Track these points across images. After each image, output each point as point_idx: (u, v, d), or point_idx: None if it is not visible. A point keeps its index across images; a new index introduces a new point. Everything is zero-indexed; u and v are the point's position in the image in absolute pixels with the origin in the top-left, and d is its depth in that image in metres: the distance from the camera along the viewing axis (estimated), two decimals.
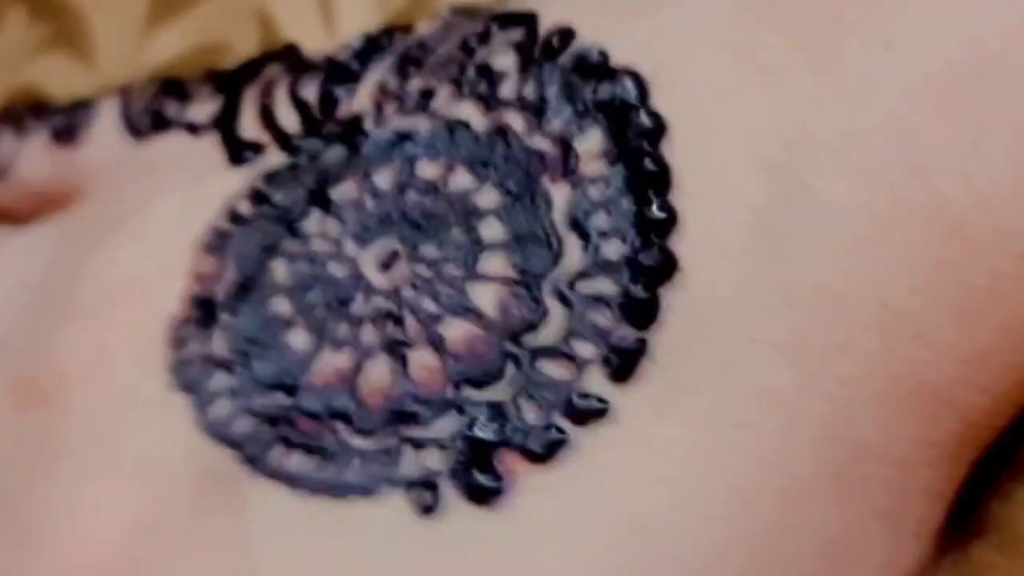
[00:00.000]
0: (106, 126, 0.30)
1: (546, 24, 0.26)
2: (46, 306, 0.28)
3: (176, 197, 0.28)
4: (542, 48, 0.26)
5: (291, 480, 0.25)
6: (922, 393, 0.24)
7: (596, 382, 0.24)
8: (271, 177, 0.27)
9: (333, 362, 0.25)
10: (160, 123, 0.29)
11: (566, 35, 0.25)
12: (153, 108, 0.30)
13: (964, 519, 0.27)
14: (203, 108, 0.29)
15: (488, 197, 0.25)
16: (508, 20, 0.26)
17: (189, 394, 0.26)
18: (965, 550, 0.27)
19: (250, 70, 0.29)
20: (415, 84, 0.27)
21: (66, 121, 0.31)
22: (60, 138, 0.31)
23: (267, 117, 0.28)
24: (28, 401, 0.27)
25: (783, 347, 0.23)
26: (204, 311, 0.26)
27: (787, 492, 0.24)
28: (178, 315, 0.26)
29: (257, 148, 0.28)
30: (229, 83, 0.29)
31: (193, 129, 0.29)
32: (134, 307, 0.27)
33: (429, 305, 0.25)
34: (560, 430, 0.24)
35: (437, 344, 0.25)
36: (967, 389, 0.24)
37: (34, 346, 0.27)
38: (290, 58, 0.29)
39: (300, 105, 0.28)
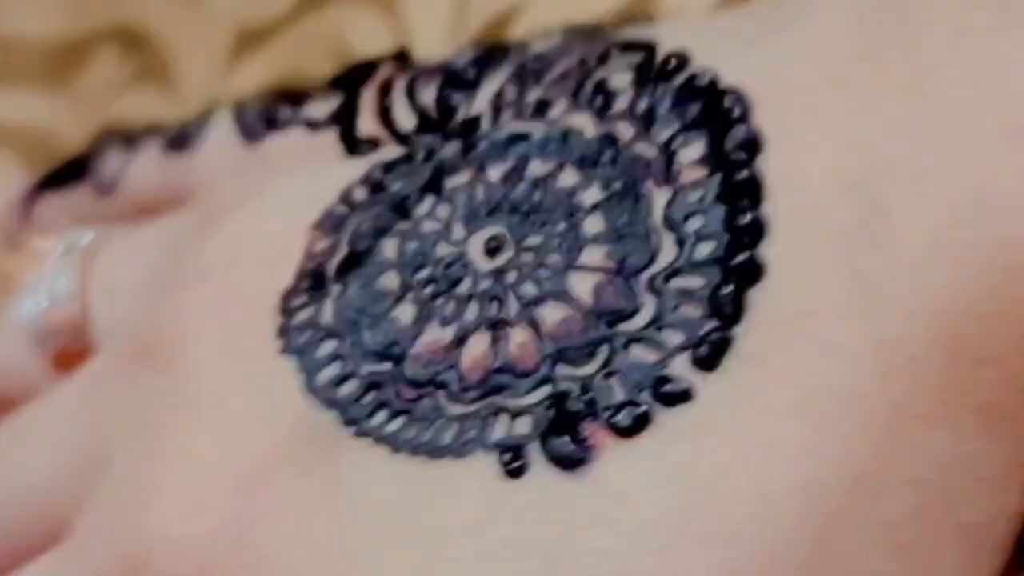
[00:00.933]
0: (220, 133, 0.32)
1: (663, 50, 0.28)
2: (166, 279, 0.30)
3: (294, 182, 0.30)
4: (658, 71, 0.28)
5: (390, 442, 0.27)
6: (985, 411, 0.26)
7: (682, 368, 0.26)
8: (388, 167, 0.29)
9: (437, 336, 0.27)
10: (275, 124, 0.32)
11: (681, 59, 0.28)
12: (267, 113, 0.32)
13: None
14: (321, 107, 0.31)
15: (593, 195, 0.27)
16: (628, 46, 0.29)
17: (298, 359, 0.28)
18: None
19: (366, 71, 0.31)
20: (533, 95, 0.29)
21: (179, 132, 0.33)
22: (174, 147, 0.33)
23: (385, 116, 0.30)
24: (145, 363, 0.29)
25: (860, 355, 0.25)
26: (316, 283, 0.28)
27: (858, 489, 0.25)
28: (291, 287, 0.28)
29: (375, 143, 0.30)
30: (346, 83, 0.31)
31: (312, 125, 0.31)
32: (250, 277, 0.29)
33: (530, 289, 0.27)
34: (647, 407, 0.26)
35: (534, 324, 0.27)
36: None
37: (153, 312, 0.29)
38: (404, 60, 0.31)
39: (418, 108, 0.30)
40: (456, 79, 0.30)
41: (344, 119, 0.30)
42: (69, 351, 0.31)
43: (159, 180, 0.33)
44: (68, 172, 0.34)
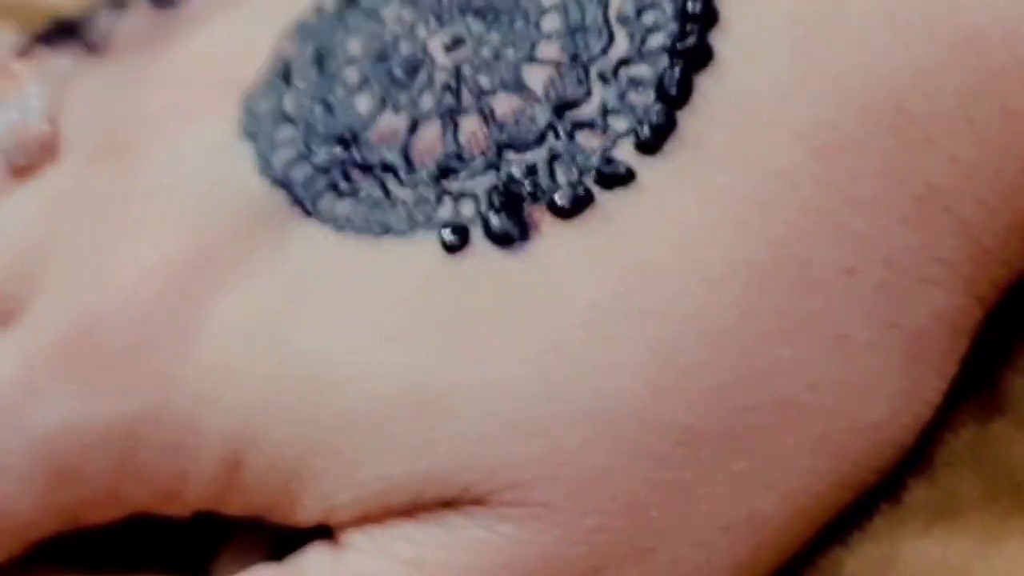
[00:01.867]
0: None
1: None
2: (133, 81, 0.30)
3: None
4: None
5: (338, 222, 0.27)
6: (926, 198, 0.25)
7: (626, 152, 0.26)
8: None
9: (391, 123, 0.27)
10: None
11: None
12: None
13: (985, 394, 0.28)
14: None
15: None
16: None
17: (255, 142, 0.28)
18: (986, 425, 0.28)
19: None
20: None
21: None
22: (161, 3, 0.33)
23: None
24: (106, 153, 0.29)
25: (804, 136, 0.25)
26: (280, 77, 0.29)
27: (798, 277, 0.25)
28: (256, 81, 0.29)
29: None
30: None
31: None
32: (215, 74, 0.29)
33: (484, 81, 0.27)
34: (587, 190, 0.26)
35: (486, 113, 0.27)
36: (969, 200, 0.25)
37: (116, 107, 0.30)
38: None
39: None
40: None
41: None
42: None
43: (148, 36, 0.33)
44: (59, 31, 0.35)
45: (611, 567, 0.26)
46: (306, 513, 0.27)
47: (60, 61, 0.32)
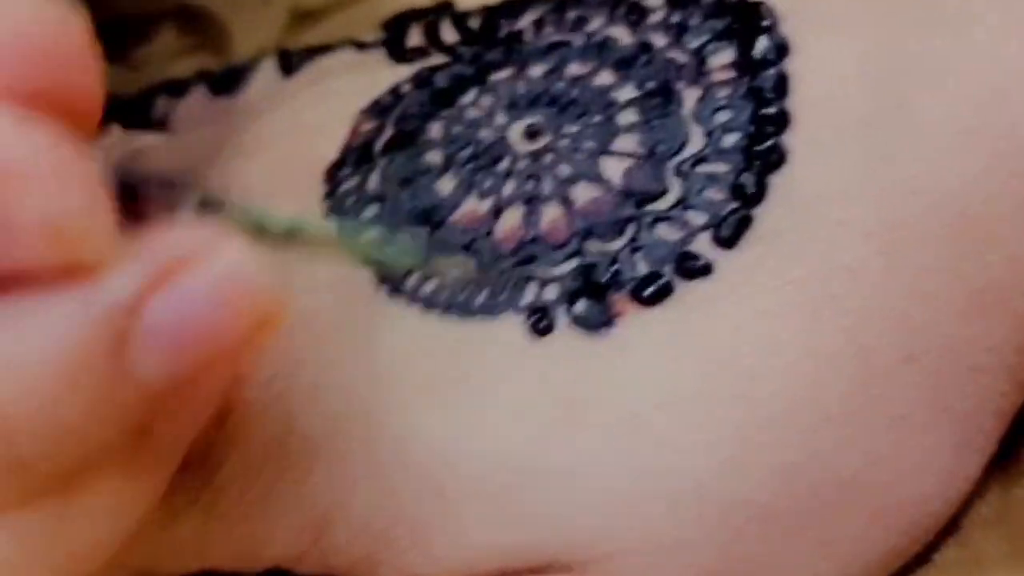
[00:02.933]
0: (264, 73, 0.34)
1: None
2: (200, 161, 0.31)
3: (343, 79, 0.32)
4: None
5: (425, 302, 0.29)
6: (984, 293, 0.27)
7: (703, 245, 0.28)
8: (435, 67, 0.31)
9: (475, 207, 0.29)
10: (319, 52, 0.33)
11: None
12: (310, 50, 0.34)
13: (1010, 460, 0.30)
14: (369, 36, 0.33)
15: (627, 92, 0.29)
16: None
17: (341, 220, 0.29)
18: (1009, 488, 0.30)
19: (414, 14, 0.33)
20: (572, 13, 0.31)
21: (224, 75, 0.35)
22: (219, 91, 0.34)
23: (431, 34, 0.32)
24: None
25: (871, 234, 0.27)
26: (362, 157, 0.30)
27: (863, 363, 0.27)
28: (337, 159, 0.30)
29: (423, 51, 0.32)
30: (394, 21, 0.33)
31: (360, 46, 0.33)
32: (298, 150, 0.31)
33: (564, 169, 0.29)
34: (668, 280, 0.28)
35: (567, 202, 0.28)
36: (1022, 295, 0.27)
37: (208, 179, 0.31)
38: (449, 8, 0.33)
39: (463, 29, 0.32)
40: (500, 10, 0.32)
41: (392, 37, 0.32)
42: None
43: (205, 121, 0.34)
44: (117, 115, 0.36)
45: None
46: None
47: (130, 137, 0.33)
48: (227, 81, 0.34)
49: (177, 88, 0.35)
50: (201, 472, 0.28)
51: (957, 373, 0.28)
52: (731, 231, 0.28)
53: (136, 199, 0.23)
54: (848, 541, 0.28)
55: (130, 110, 0.36)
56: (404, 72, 0.32)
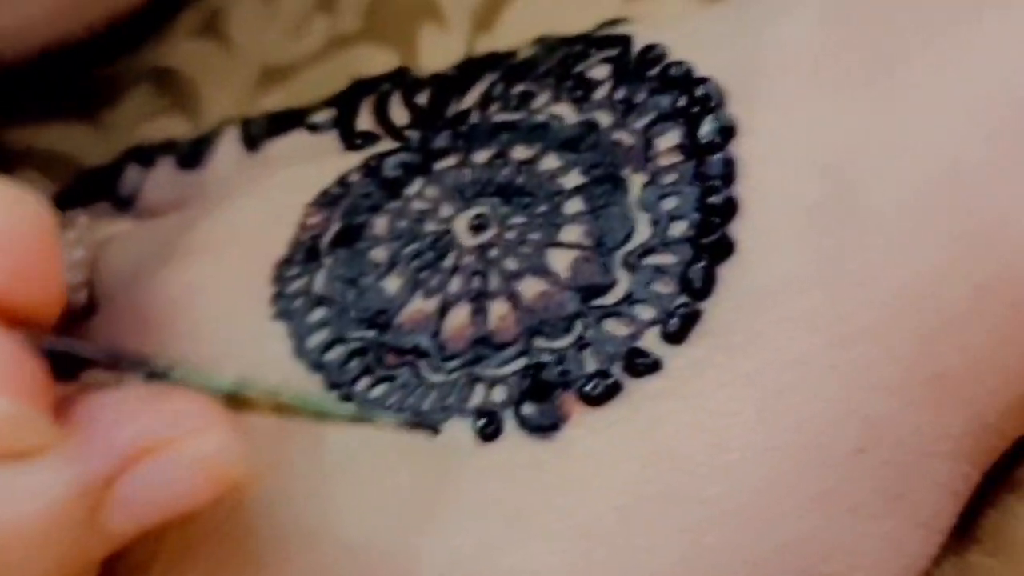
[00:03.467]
0: (227, 146, 0.34)
1: (639, 44, 0.30)
2: (169, 253, 0.31)
3: (292, 170, 0.31)
4: (634, 63, 0.29)
5: (372, 406, 0.28)
6: (935, 383, 0.27)
7: (651, 341, 0.27)
8: (382, 156, 0.31)
9: (421, 307, 0.28)
10: (277, 131, 0.33)
11: (657, 52, 0.29)
12: (271, 124, 0.33)
13: (963, 528, 0.29)
14: (322, 115, 0.33)
15: (573, 179, 0.29)
16: (605, 42, 0.30)
17: (289, 324, 0.29)
18: (964, 556, 0.29)
19: (366, 86, 0.33)
20: (517, 89, 0.30)
21: (191, 149, 0.34)
22: (185, 164, 0.34)
23: (381, 114, 0.32)
24: (136, 328, 0.30)
25: (819, 328, 0.27)
26: (309, 255, 0.30)
27: (815, 457, 0.27)
28: (285, 257, 0.30)
29: (371, 137, 0.31)
30: (346, 96, 0.33)
31: (312, 128, 0.32)
32: (247, 248, 0.30)
33: (511, 264, 0.28)
34: (616, 379, 0.27)
35: (514, 298, 0.28)
36: (974, 383, 0.27)
37: (145, 282, 0.31)
38: (402, 77, 0.33)
39: (412, 106, 0.31)
40: (448, 83, 0.31)
41: (343, 119, 0.32)
42: None
43: (173, 195, 0.34)
44: (89, 188, 0.36)
45: None
46: None
47: (97, 226, 0.33)
48: (193, 155, 0.34)
49: (145, 157, 0.35)
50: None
51: (911, 462, 0.27)
52: (679, 326, 0.27)
53: (82, 369, 0.26)
54: None
55: (98, 181, 0.36)
56: (353, 160, 0.31)
